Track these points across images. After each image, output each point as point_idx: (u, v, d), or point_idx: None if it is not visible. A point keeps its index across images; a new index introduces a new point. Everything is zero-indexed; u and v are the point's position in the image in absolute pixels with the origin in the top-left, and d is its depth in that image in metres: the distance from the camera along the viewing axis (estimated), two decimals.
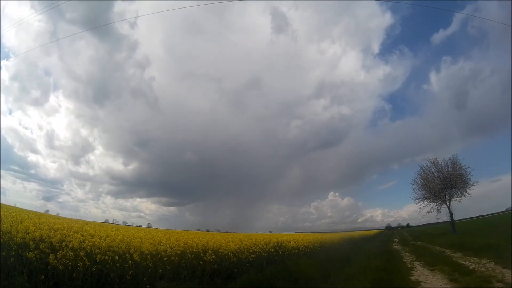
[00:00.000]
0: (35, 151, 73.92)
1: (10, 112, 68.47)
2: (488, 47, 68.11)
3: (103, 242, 7.67)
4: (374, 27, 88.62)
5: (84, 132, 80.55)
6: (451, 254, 12.66)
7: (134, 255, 7.37)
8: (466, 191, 22.74)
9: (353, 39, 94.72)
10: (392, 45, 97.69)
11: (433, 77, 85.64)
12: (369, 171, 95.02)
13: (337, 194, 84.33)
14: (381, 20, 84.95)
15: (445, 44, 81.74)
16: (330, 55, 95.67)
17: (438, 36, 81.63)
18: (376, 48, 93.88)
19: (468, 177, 22.76)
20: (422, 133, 78.38)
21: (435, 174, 24.19)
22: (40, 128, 77.95)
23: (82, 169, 77.80)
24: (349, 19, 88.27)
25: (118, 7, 72.83)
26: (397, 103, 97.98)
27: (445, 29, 78.48)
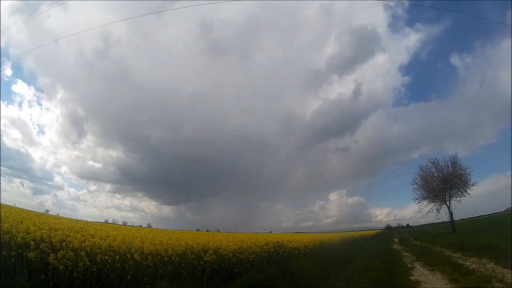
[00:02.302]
0: (28, 146, 70.74)
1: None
2: None
3: (103, 242, 7.69)
4: None
5: (78, 125, 73.56)
6: (451, 254, 12.68)
7: (135, 255, 7.39)
8: (466, 191, 22.80)
9: None
10: (422, 9, 73.97)
11: (464, 53, 72.29)
12: (384, 163, 77.44)
13: (344, 191, 73.96)
14: None
15: (480, 17, 71.43)
16: (342, 11, 75.70)
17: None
18: (404, 8, 72.34)
19: (468, 178, 22.84)
20: (448, 118, 64.84)
21: (435, 174, 24.24)
22: (32, 120, 74.31)
23: (79, 166, 75.69)
24: None
25: None
26: (421, 80, 76.23)
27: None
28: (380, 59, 76.96)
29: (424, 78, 76.21)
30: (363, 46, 73.90)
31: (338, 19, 77.18)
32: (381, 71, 77.72)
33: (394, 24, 79.78)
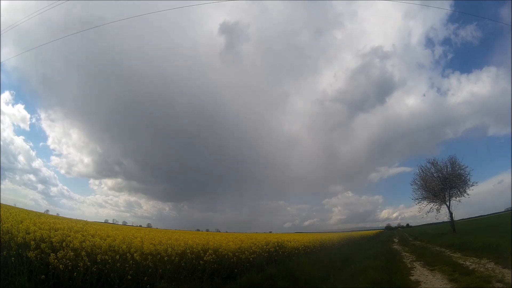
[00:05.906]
0: (23, 142, 67.41)
1: None
2: None
3: (103, 242, 7.70)
4: None
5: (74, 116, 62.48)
6: (451, 254, 12.67)
7: (135, 254, 7.39)
8: (466, 191, 22.83)
9: None
10: None
11: None
12: (412, 147, 61.39)
13: (356, 188, 66.06)
14: None
15: None
16: None
17: None
18: None
19: (467, 177, 22.87)
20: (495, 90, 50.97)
21: (434, 174, 24.30)
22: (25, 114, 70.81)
23: (78, 163, 72.67)
24: None
25: None
26: (463, 46, 55.63)
27: None
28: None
29: (467, 45, 56.52)
30: None
31: None
32: (428, 24, 59.91)
33: None
